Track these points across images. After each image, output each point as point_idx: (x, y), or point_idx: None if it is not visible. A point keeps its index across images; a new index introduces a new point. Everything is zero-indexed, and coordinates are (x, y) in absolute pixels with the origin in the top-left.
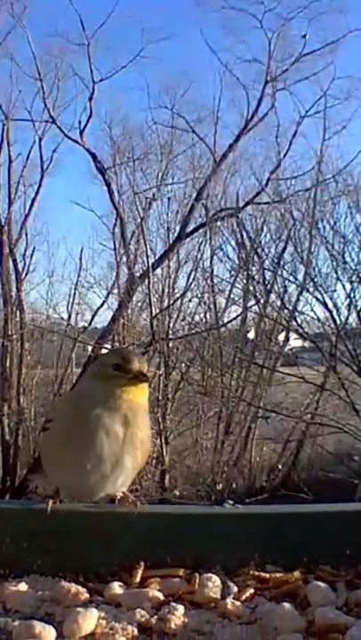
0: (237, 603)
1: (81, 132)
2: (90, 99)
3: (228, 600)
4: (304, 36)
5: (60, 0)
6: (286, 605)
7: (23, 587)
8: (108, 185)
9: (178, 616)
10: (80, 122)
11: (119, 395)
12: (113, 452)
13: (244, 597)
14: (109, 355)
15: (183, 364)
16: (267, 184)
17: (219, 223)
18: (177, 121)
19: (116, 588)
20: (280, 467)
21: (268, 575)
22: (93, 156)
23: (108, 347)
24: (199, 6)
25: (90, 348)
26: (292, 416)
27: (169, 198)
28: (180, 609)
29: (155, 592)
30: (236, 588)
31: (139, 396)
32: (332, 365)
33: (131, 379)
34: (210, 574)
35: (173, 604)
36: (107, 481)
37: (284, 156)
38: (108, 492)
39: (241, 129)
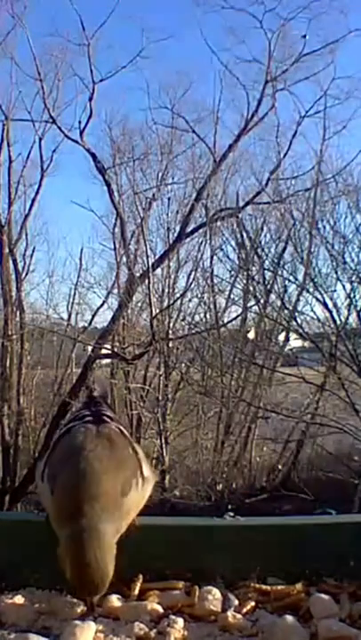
0: (238, 616)
1: (81, 133)
2: (90, 99)
3: (229, 613)
4: (304, 36)
5: (60, 0)
6: (289, 618)
7: (19, 600)
8: (108, 185)
9: (177, 629)
10: (80, 122)
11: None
12: None
13: (245, 610)
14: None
15: (183, 364)
16: (267, 184)
17: (219, 223)
18: (177, 121)
19: (115, 600)
20: (280, 467)
21: (269, 588)
22: (93, 156)
23: (108, 347)
24: (199, 6)
25: (90, 348)
26: (292, 416)
27: (169, 198)
28: (180, 622)
29: (154, 605)
30: (236, 601)
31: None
32: (332, 365)
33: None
34: (210, 587)
35: (173, 616)
36: None
37: (284, 156)
38: None
39: (241, 129)
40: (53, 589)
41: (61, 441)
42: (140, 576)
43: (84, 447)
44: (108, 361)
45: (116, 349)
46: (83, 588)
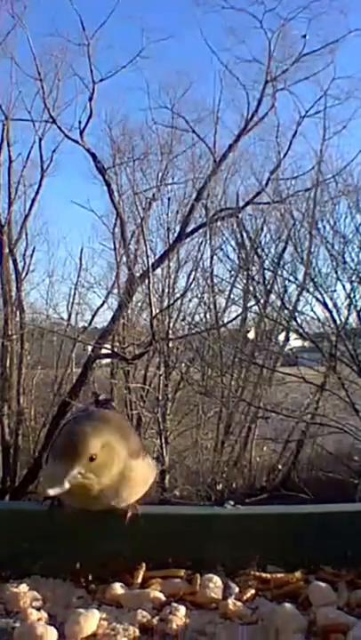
0: (239, 603)
1: (81, 132)
2: (90, 99)
3: (230, 601)
4: (304, 36)
5: (60, 0)
6: (288, 606)
7: (24, 588)
8: (108, 185)
9: (179, 617)
10: (80, 122)
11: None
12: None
13: (245, 598)
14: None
15: (183, 364)
16: (267, 184)
17: (219, 223)
18: (177, 121)
19: (118, 588)
20: (280, 467)
21: (269, 576)
22: (93, 156)
23: (108, 347)
24: (199, 6)
25: (90, 348)
26: (292, 416)
27: (169, 198)
28: (182, 610)
29: (156, 593)
30: (237, 589)
31: (85, 488)
32: (332, 365)
33: None
34: (211, 575)
35: (175, 604)
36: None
37: (284, 156)
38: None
39: (241, 129)
40: (57, 577)
41: (65, 426)
42: (143, 564)
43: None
44: (108, 361)
45: (116, 349)
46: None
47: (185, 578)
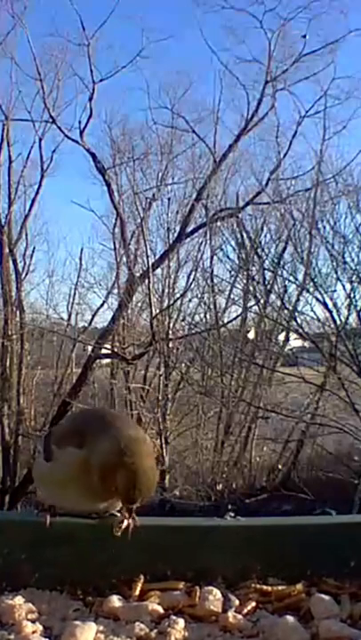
0: (239, 616)
1: (81, 133)
2: (90, 99)
3: (230, 613)
4: (304, 36)
5: (59, 0)
6: (289, 618)
7: (20, 600)
8: (108, 185)
9: (178, 630)
10: (80, 122)
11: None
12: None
13: (245, 611)
14: (118, 464)
15: (183, 364)
16: (267, 184)
17: (219, 223)
18: (177, 121)
19: (115, 601)
20: (280, 467)
21: (270, 588)
22: (93, 156)
23: (108, 347)
24: (199, 6)
25: (90, 348)
26: (292, 416)
27: (169, 198)
28: (181, 622)
29: (154, 605)
30: (237, 602)
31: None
32: (332, 365)
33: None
34: (211, 587)
35: (174, 617)
36: (99, 507)
37: (284, 156)
38: (103, 512)
39: (241, 129)
40: (54, 590)
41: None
42: (141, 576)
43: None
44: (108, 361)
45: (116, 349)
46: (138, 492)
47: (184, 590)
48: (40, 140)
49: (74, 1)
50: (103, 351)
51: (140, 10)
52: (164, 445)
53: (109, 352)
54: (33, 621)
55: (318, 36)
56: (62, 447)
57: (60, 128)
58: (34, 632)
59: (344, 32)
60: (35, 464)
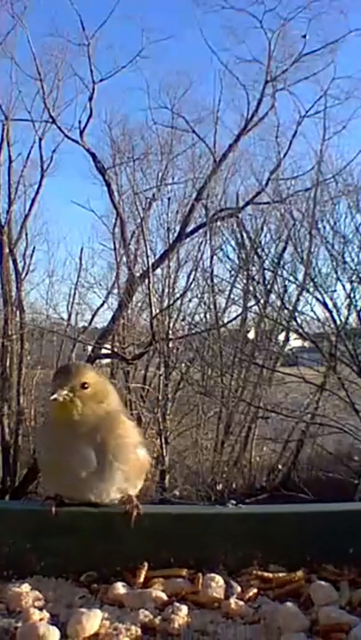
0: (241, 602)
1: (81, 132)
2: (90, 99)
3: (232, 600)
4: (304, 36)
5: (60, 0)
6: (290, 605)
7: (26, 588)
8: (108, 185)
9: (181, 616)
10: (80, 122)
11: (59, 418)
12: (88, 471)
13: (247, 597)
14: None
15: (183, 364)
16: (267, 184)
17: (219, 223)
18: (177, 121)
19: (120, 588)
20: (280, 467)
21: (271, 575)
22: (93, 156)
23: (108, 347)
24: (199, 6)
25: (90, 348)
26: (292, 416)
27: (169, 198)
28: (184, 609)
29: (158, 592)
30: (239, 588)
31: (69, 410)
32: (332, 365)
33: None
34: (213, 574)
35: (177, 604)
36: (99, 492)
37: (284, 156)
38: (105, 499)
39: (241, 129)
40: (60, 577)
41: None
42: (145, 564)
43: None
44: (108, 361)
45: (116, 349)
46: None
47: (187, 577)
48: (40, 139)
49: (74, 1)
50: (103, 351)
51: (140, 10)
52: (164, 445)
53: (109, 352)
54: (40, 609)
55: (318, 35)
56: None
57: (60, 128)
58: (41, 619)
59: (344, 32)
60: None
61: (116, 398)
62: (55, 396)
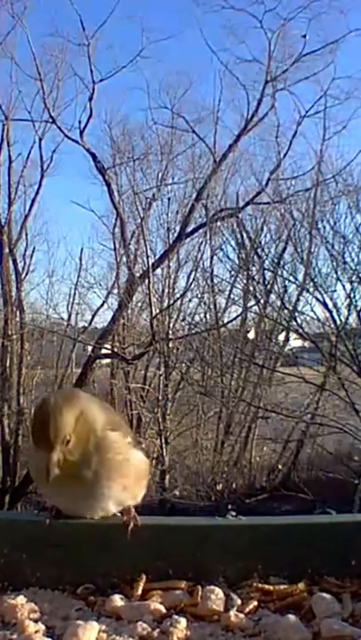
0: (241, 615)
1: (81, 132)
2: (90, 99)
3: (232, 612)
4: (304, 36)
5: (60, 0)
6: (291, 617)
7: (22, 599)
8: (108, 185)
9: (180, 629)
10: (80, 122)
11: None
12: (84, 501)
13: (247, 610)
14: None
15: (183, 364)
16: (267, 184)
17: (219, 223)
18: (177, 121)
19: (117, 600)
20: (280, 467)
21: (271, 587)
22: (93, 156)
23: (108, 347)
24: (199, 6)
25: (90, 348)
26: (292, 416)
27: (169, 198)
28: (183, 622)
29: (156, 605)
30: (239, 601)
31: (68, 469)
32: (332, 365)
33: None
34: (212, 587)
35: (176, 616)
36: (95, 508)
37: (284, 156)
38: (103, 514)
39: (241, 129)
40: (56, 589)
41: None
42: (143, 576)
43: None
44: (108, 361)
45: (116, 349)
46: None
47: (186, 589)
48: (40, 140)
49: (74, 1)
50: (103, 351)
51: (140, 10)
52: (164, 445)
53: (109, 352)
54: (35, 621)
55: (318, 36)
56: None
57: (60, 128)
58: (36, 631)
59: (344, 32)
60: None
61: (97, 414)
62: (53, 474)
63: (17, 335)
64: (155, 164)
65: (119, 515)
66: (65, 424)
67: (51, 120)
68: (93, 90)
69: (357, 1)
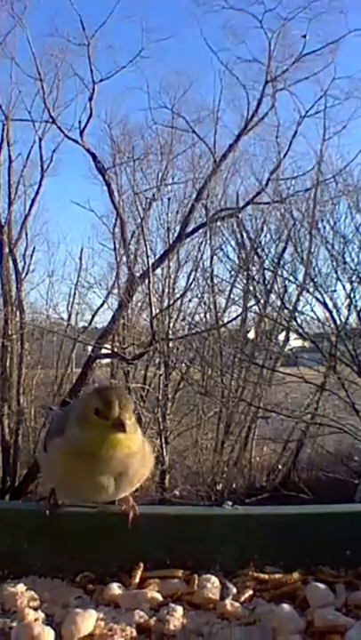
0: (236, 604)
1: (81, 132)
2: (90, 99)
3: (228, 601)
4: (304, 36)
5: (60, 0)
6: (285, 606)
7: (22, 588)
8: (108, 185)
9: (177, 617)
10: (80, 122)
11: (108, 445)
12: (105, 496)
13: (243, 598)
14: (92, 395)
15: (183, 364)
16: (267, 184)
17: (219, 223)
18: (177, 121)
19: (115, 588)
20: (280, 467)
21: (267, 576)
22: (93, 156)
23: (108, 347)
24: (199, 6)
25: (90, 348)
26: (292, 416)
27: (169, 198)
28: (179, 610)
29: (154, 593)
30: (235, 589)
31: (131, 443)
32: (332, 365)
33: (110, 427)
34: (209, 575)
35: (172, 605)
36: (105, 499)
37: (284, 156)
38: (109, 499)
39: (241, 129)
40: (55, 577)
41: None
42: (141, 564)
43: None
44: (108, 361)
45: (116, 349)
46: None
47: (183, 578)
48: (40, 139)
49: (74, 1)
50: (103, 351)
51: (140, 10)
52: (164, 445)
53: (109, 352)
54: (35, 609)
55: (318, 36)
56: (50, 440)
57: (60, 128)
58: (36, 619)
59: (344, 32)
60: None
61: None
62: (127, 428)
63: (17, 335)
64: (155, 163)
65: (117, 504)
66: (132, 405)
67: (51, 120)
68: (93, 90)
69: (357, 1)
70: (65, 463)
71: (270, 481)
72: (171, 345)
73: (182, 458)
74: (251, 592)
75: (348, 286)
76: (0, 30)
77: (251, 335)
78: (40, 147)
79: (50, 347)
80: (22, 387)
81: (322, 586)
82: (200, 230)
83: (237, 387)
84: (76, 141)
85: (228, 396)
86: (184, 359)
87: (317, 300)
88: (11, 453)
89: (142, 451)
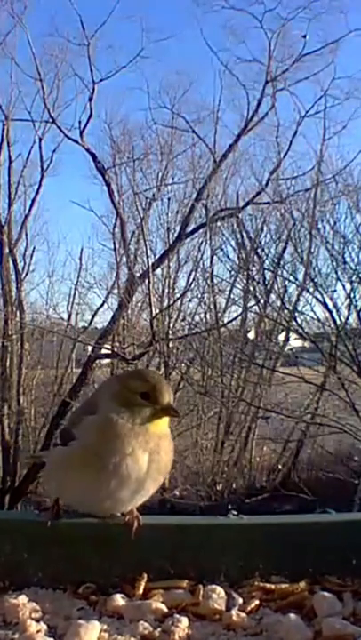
0: (242, 614)
1: (81, 132)
2: (90, 99)
3: (233, 612)
4: (304, 36)
5: (60, 0)
6: (292, 616)
7: (23, 599)
8: (108, 185)
9: (182, 628)
10: (80, 122)
11: (149, 425)
12: (136, 480)
13: (249, 609)
14: (136, 379)
15: (183, 364)
16: (267, 184)
17: (219, 223)
18: (177, 121)
19: (119, 599)
20: (280, 467)
21: (273, 586)
22: (93, 156)
23: (108, 347)
24: (199, 6)
25: (90, 348)
26: (292, 416)
27: (169, 198)
28: (184, 621)
29: (158, 604)
30: (240, 600)
31: (165, 425)
32: (332, 365)
33: (160, 410)
34: (214, 586)
35: (177, 615)
36: (121, 505)
37: (284, 156)
38: (118, 512)
39: (241, 129)
40: (57, 589)
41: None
42: (145, 575)
43: None
44: (108, 361)
45: (116, 349)
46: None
47: (187, 589)
48: (40, 139)
49: (74, 1)
50: (103, 351)
51: (140, 10)
52: None
53: (109, 352)
54: (37, 620)
55: (318, 36)
56: (78, 423)
57: (60, 128)
58: (38, 631)
59: (344, 32)
60: (51, 454)
61: None
62: (177, 409)
63: (17, 335)
64: (155, 163)
65: (120, 514)
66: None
67: (51, 120)
68: (93, 90)
69: (357, 1)
70: (100, 441)
71: (270, 481)
72: (171, 345)
73: (182, 458)
74: (257, 602)
75: (348, 286)
76: (0, 30)
77: (251, 335)
78: (40, 147)
79: (50, 347)
80: (22, 387)
81: (329, 595)
82: (200, 230)
83: (237, 387)
84: (76, 141)
85: (228, 396)
86: (184, 359)
87: (317, 299)
88: (11, 453)
89: (170, 437)
